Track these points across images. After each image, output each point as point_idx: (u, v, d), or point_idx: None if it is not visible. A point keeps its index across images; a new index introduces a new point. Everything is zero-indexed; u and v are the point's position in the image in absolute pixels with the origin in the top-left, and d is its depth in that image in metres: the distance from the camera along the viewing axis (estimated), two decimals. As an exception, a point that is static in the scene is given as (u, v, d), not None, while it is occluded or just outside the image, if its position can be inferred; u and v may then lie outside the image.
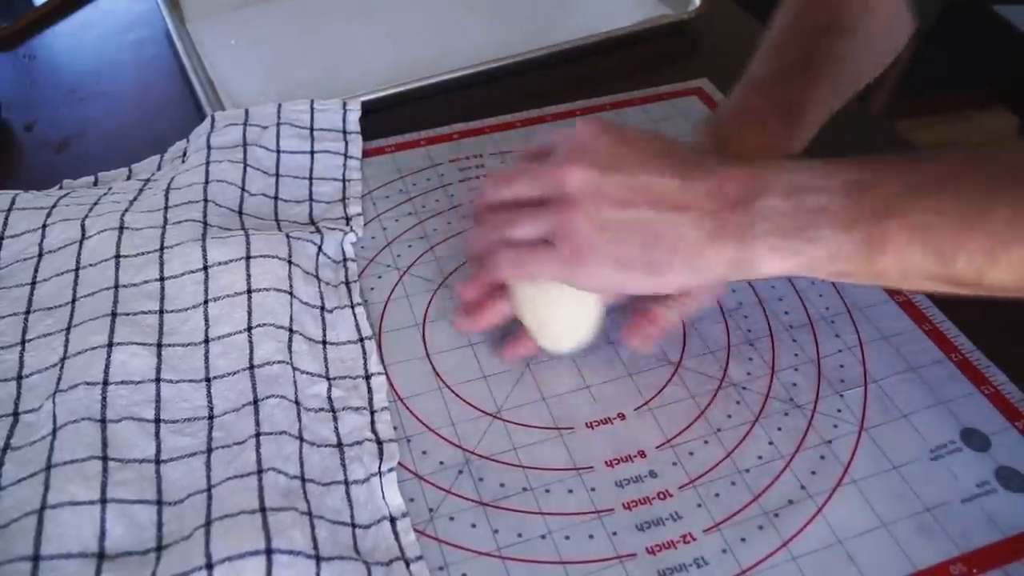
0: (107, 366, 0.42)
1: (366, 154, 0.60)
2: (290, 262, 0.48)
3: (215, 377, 0.43)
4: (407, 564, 0.38)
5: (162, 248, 0.48)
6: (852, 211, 0.36)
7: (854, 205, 0.36)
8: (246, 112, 0.59)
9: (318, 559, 0.36)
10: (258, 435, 0.40)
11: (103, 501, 0.37)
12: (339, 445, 0.42)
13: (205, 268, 0.47)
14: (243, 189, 0.53)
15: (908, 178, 0.36)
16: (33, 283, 0.48)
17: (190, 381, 0.43)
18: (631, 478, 0.42)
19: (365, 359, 0.46)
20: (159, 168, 0.58)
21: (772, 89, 0.48)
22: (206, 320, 0.45)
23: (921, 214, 0.35)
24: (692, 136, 0.49)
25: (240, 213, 0.52)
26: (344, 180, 0.57)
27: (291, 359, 0.44)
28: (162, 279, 0.47)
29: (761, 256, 0.38)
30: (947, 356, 0.47)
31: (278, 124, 0.58)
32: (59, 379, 0.42)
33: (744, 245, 0.38)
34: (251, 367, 0.43)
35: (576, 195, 0.40)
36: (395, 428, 0.43)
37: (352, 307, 0.49)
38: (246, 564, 0.34)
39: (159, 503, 0.38)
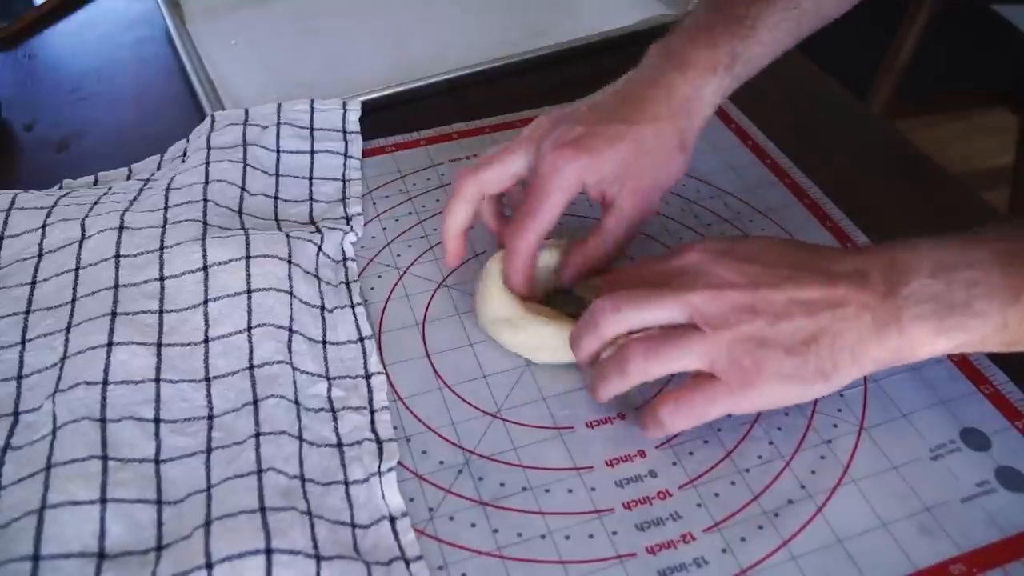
0: (107, 366, 0.42)
1: (366, 154, 0.60)
2: (290, 262, 0.48)
3: (215, 377, 0.43)
4: (407, 564, 0.38)
5: (162, 248, 0.48)
6: (1014, 281, 0.36)
7: (1015, 274, 0.36)
8: (246, 112, 0.59)
9: (318, 559, 0.36)
10: (258, 435, 0.40)
11: (103, 501, 0.37)
12: (339, 445, 0.42)
13: (205, 268, 0.47)
14: (243, 189, 0.53)
15: None
16: (33, 283, 0.48)
17: (190, 381, 0.43)
18: (631, 478, 0.42)
19: (365, 359, 0.46)
20: (159, 168, 0.58)
21: (723, 6, 0.48)
22: (206, 320, 0.45)
23: None
24: (644, 58, 0.49)
25: (240, 213, 0.52)
26: (344, 180, 0.57)
27: (291, 359, 0.44)
28: (162, 279, 0.47)
29: (923, 340, 0.37)
30: (947, 356, 0.47)
31: (278, 124, 0.58)
32: (59, 379, 0.42)
33: (904, 332, 0.37)
34: (251, 367, 0.43)
35: (729, 318, 0.38)
36: (395, 428, 0.43)
37: (352, 307, 0.49)
38: (246, 564, 0.34)
39: (159, 503, 0.38)
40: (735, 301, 0.38)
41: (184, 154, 0.58)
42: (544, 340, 0.46)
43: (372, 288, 0.51)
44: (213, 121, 0.58)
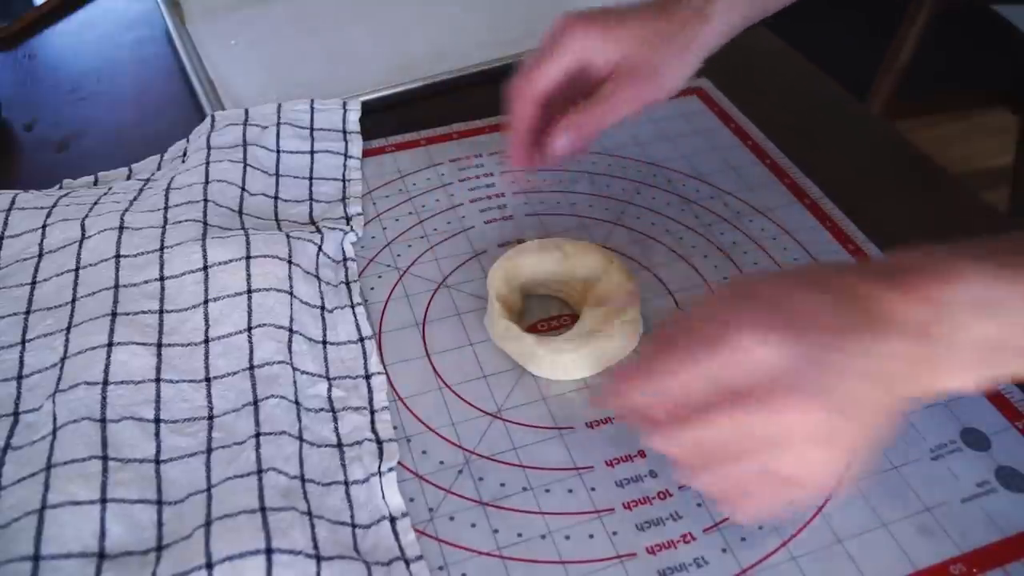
0: (107, 366, 0.42)
1: (366, 154, 0.60)
2: (290, 262, 0.48)
3: (215, 377, 0.43)
4: (407, 564, 0.38)
5: (162, 248, 0.48)
6: None
7: None
8: (246, 112, 0.59)
9: (318, 559, 0.36)
10: (258, 435, 0.40)
11: (103, 501, 0.37)
12: (339, 445, 0.42)
13: (205, 268, 0.47)
14: (243, 189, 0.54)
15: None
16: (33, 283, 0.48)
17: (190, 381, 0.43)
18: (631, 478, 0.42)
19: (365, 359, 0.46)
20: (159, 168, 0.58)
21: None
22: (206, 320, 0.45)
23: None
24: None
25: (240, 213, 0.52)
26: (344, 180, 0.57)
27: (291, 359, 0.44)
28: (162, 279, 0.47)
29: (966, 381, 0.34)
30: (947, 356, 0.47)
31: (278, 124, 0.58)
32: (59, 379, 0.42)
33: (950, 374, 0.33)
34: (251, 367, 0.43)
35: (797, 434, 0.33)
36: (395, 428, 0.43)
37: (352, 307, 0.49)
38: (246, 564, 0.34)
39: (159, 503, 0.38)
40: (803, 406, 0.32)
41: (184, 154, 0.58)
42: (534, 349, 0.45)
43: (372, 288, 0.51)
44: (213, 121, 0.58)
